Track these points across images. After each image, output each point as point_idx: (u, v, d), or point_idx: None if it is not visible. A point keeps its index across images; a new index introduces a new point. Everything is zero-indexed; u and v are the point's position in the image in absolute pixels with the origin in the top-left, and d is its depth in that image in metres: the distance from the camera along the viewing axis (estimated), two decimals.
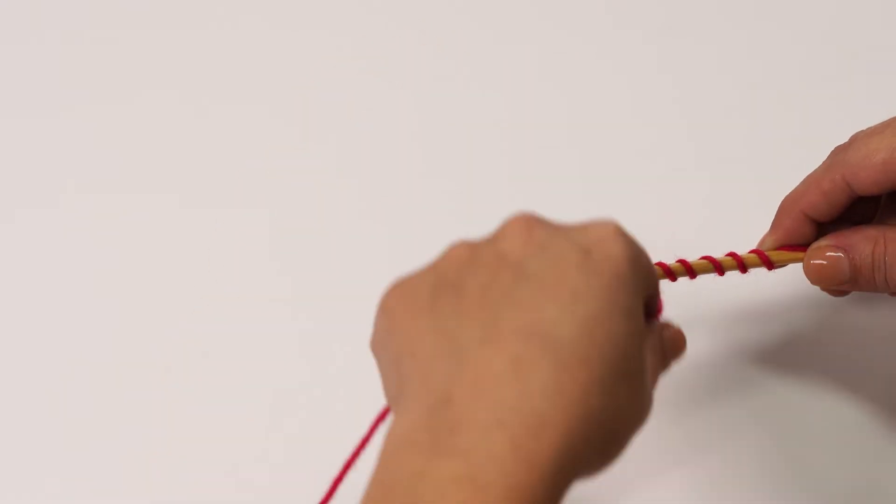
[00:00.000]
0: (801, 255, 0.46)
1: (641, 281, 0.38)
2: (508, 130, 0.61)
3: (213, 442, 0.51)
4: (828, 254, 0.45)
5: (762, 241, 0.47)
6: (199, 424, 0.52)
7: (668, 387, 0.50)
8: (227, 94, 0.63)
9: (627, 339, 0.36)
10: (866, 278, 0.45)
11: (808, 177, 0.47)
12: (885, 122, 0.45)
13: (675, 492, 0.50)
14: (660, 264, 0.45)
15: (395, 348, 0.37)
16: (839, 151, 0.46)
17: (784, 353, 0.52)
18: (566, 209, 0.57)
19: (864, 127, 0.47)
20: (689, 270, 0.45)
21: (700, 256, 0.46)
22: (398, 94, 0.63)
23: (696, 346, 0.52)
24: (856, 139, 0.45)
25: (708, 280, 0.47)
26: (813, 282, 0.46)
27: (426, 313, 0.37)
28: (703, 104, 0.61)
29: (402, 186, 0.59)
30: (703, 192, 0.58)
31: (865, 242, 0.45)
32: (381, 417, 0.44)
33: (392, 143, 0.61)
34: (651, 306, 0.41)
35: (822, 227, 0.47)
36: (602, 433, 0.35)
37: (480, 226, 0.56)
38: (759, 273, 0.48)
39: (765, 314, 0.53)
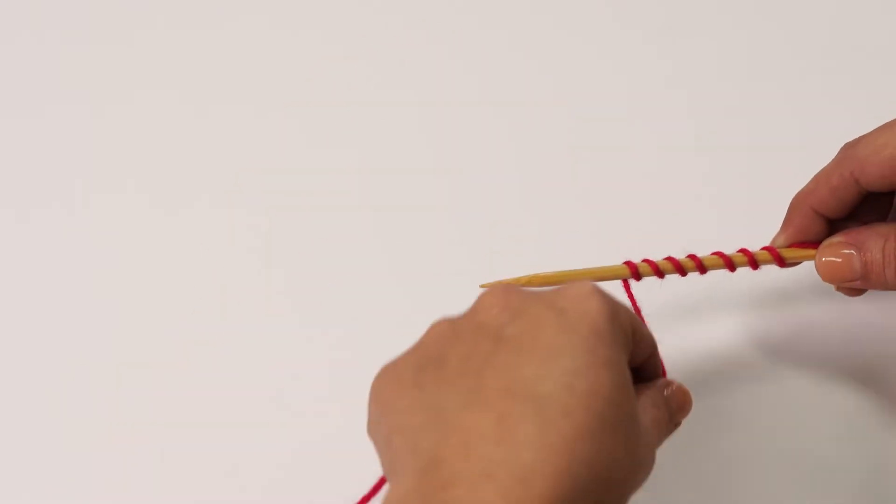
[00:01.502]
0: (812, 252, 0.46)
1: (622, 336, 0.39)
2: (508, 130, 0.61)
3: (213, 443, 0.51)
4: (839, 251, 0.45)
5: (774, 240, 0.47)
6: (198, 426, 0.52)
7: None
8: (227, 96, 0.63)
9: (612, 389, 0.36)
10: (877, 275, 0.45)
11: (818, 174, 0.46)
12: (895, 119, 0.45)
13: (679, 482, 0.50)
14: (671, 259, 0.45)
15: (385, 428, 0.38)
16: (848, 148, 0.46)
17: (793, 353, 0.52)
18: (566, 208, 0.57)
19: (864, 124, 0.47)
20: (700, 266, 0.45)
21: (711, 252, 0.46)
22: (397, 94, 0.63)
23: (706, 343, 0.52)
24: (865, 135, 0.45)
25: (718, 278, 0.47)
26: (824, 279, 0.46)
27: (411, 390, 0.38)
28: (703, 104, 0.61)
29: (402, 187, 0.59)
30: (705, 192, 0.57)
31: (876, 239, 0.45)
32: (378, 487, 0.44)
33: (392, 144, 0.61)
34: (649, 366, 0.42)
35: (834, 225, 0.47)
36: (594, 483, 0.35)
37: (478, 227, 0.57)
38: (769, 271, 0.48)
39: (774, 313, 0.53)
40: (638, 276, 0.45)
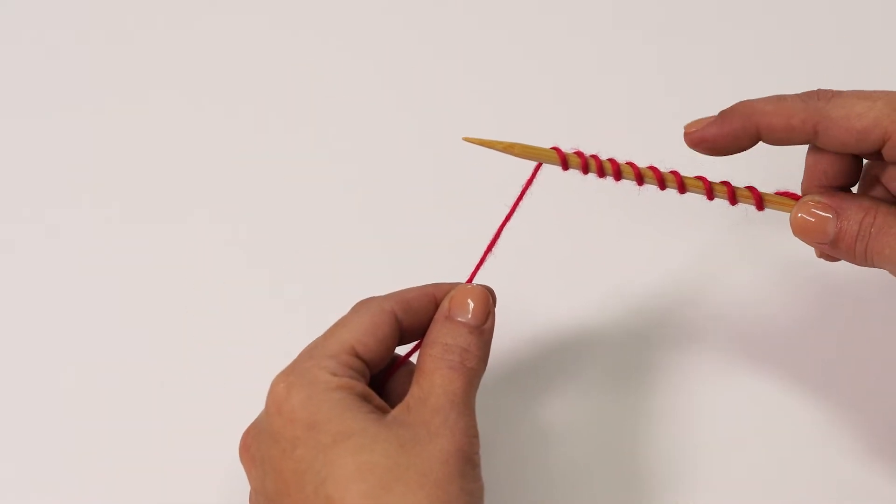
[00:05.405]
0: (791, 203, 0.45)
1: (331, 389, 0.41)
2: (508, 130, 0.61)
3: (210, 445, 0.50)
4: (817, 211, 0.44)
5: (700, 121, 0.46)
6: (195, 429, 0.52)
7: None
8: (226, 98, 0.63)
9: (349, 441, 0.40)
10: (847, 245, 0.44)
11: (782, 101, 0.44)
12: (881, 91, 0.44)
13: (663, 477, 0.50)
14: (652, 169, 0.45)
15: None
16: (822, 98, 0.43)
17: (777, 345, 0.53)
18: (565, 211, 0.57)
19: None
20: (680, 185, 0.44)
21: (695, 176, 0.45)
22: (398, 95, 0.63)
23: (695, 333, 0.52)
24: (843, 94, 0.44)
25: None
26: (795, 234, 0.45)
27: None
28: (702, 104, 0.61)
29: (398, 187, 0.59)
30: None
31: (857, 210, 0.44)
32: None
33: (391, 145, 0.61)
34: (410, 330, 0.45)
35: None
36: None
37: (478, 227, 0.56)
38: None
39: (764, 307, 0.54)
40: (585, 168, 0.45)
